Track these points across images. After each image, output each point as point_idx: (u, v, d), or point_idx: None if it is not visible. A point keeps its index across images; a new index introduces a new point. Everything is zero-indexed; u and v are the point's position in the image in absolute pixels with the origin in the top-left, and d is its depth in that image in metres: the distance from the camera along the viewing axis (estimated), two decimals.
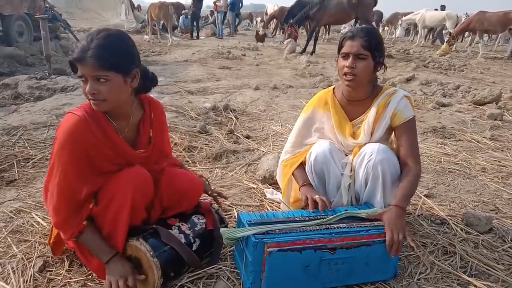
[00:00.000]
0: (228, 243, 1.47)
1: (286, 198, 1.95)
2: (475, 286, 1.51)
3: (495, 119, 3.98)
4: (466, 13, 16.44)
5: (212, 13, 17.40)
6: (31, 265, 1.50)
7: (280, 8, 16.57)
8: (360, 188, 1.71)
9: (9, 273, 1.46)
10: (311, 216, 1.53)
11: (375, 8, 10.79)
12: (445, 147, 3.17)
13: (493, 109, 4.23)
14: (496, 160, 2.90)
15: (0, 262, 1.52)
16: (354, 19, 10.64)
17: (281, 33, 14.42)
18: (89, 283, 1.43)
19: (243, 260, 1.42)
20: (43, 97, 4.41)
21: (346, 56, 1.65)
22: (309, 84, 5.85)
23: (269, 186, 2.33)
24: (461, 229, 1.92)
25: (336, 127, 1.78)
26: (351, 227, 1.47)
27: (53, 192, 1.34)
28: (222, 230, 1.44)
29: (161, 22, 13.02)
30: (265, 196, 2.21)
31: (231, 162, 2.70)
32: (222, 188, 2.27)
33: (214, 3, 15.07)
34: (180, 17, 15.97)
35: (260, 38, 12.19)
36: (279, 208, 2.04)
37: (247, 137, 3.25)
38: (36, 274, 1.46)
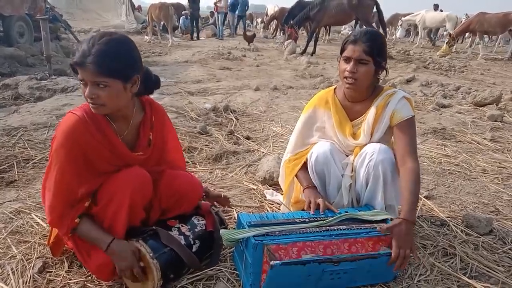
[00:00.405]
0: (228, 245, 1.47)
1: (288, 199, 1.95)
2: None
3: (496, 120, 3.98)
4: (466, 14, 16.45)
5: (212, 14, 17.40)
6: (30, 266, 1.50)
7: (281, 9, 16.57)
8: (361, 189, 1.70)
9: (9, 274, 1.45)
10: (311, 218, 1.53)
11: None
12: (445, 148, 3.17)
13: (494, 110, 4.23)
14: (496, 162, 2.90)
15: (0, 263, 1.52)
16: (354, 20, 10.65)
17: (281, 34, 14.40)
18: (89, 284, 1.43)
19: (243, 262, 1.42)
20: (43, 97, 4.40)
21: (347, 60, 1.65)
22: (309, 85, 5.85)
23: (269, 187, 2.33)
24: (461, 231, 1.91)
25: (337, 126, 1.78)
26: (351, 229, 1.47)
27: (50, 190, 1.35)
28: (222, 231, 1.44)
29: (162, 23, 13.02)
30: (265, 197, 2.20)
31: (231, 163, 2.70)
32: (222, 189, 2.27)
33: (215, 3, 15.08)
34: (181, 18, 15.98)
35: (249, 39, 12.10)
36: (279, 210, 2.04)
37: (247, 138, 3.25)
38: (36, 275, 1.46)
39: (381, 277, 1.50)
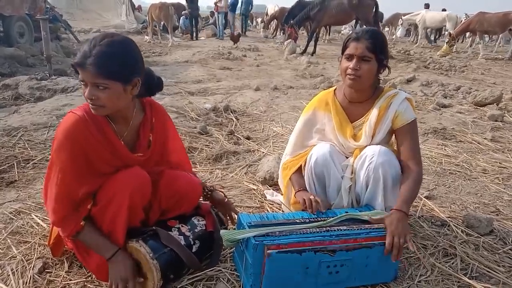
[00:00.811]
0: (228, 245, 1.46)
1: (287, 200, 1.95)
2: None
3: (496, 120, 3.97)
4: (466, 14, 16.42)
5: (212, 13, 17.39)
6: (30, 267, 1.49)
7: (281, 9, 16.55)
8: (361, 191, 1.70)
9: (9, 275, 1.45)
10: (311, 218, 1.52)
11: None
12: (446, 148, 3.17)
13: (494, 110, 4.22)
14: (497, 162, 2.90)
15: (0, 263, 1.52)
16: (354, 20, 10.65)
17: (281, 34, 14.40)
18: (89, 285, 1.43)
19: (243, 262, 1.42)
20: (43, 97, 4.41)
21: (350, 57, 1.64)
22: (309, 85, 5.84)
23: (270, 188, 2.32)
24: (462, 231, 1.91)
25: (337, 128, 1.78)
26: (351, 229, 1.46)
27: (52, 190, 1.35)
28: (222, 232, 1.44)
29: (162, 22, 13.02)
30: (265, 197, 2.20)
31: (232, 163, 2.69)
32: (222, 190, 2.26)
33: (215, 3, 15.08)
34: (181, 18, 15.99)
35: (235, 39, 12.06)
36: (280, 210, 2.04)
37: (248, 138, 3.25)
38: (36, 276, 1.46)
39: (381, 275, 1.49)
